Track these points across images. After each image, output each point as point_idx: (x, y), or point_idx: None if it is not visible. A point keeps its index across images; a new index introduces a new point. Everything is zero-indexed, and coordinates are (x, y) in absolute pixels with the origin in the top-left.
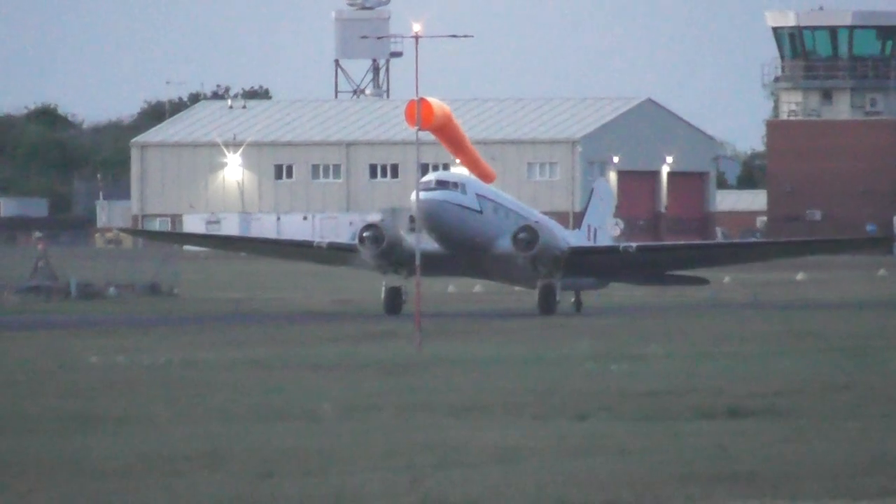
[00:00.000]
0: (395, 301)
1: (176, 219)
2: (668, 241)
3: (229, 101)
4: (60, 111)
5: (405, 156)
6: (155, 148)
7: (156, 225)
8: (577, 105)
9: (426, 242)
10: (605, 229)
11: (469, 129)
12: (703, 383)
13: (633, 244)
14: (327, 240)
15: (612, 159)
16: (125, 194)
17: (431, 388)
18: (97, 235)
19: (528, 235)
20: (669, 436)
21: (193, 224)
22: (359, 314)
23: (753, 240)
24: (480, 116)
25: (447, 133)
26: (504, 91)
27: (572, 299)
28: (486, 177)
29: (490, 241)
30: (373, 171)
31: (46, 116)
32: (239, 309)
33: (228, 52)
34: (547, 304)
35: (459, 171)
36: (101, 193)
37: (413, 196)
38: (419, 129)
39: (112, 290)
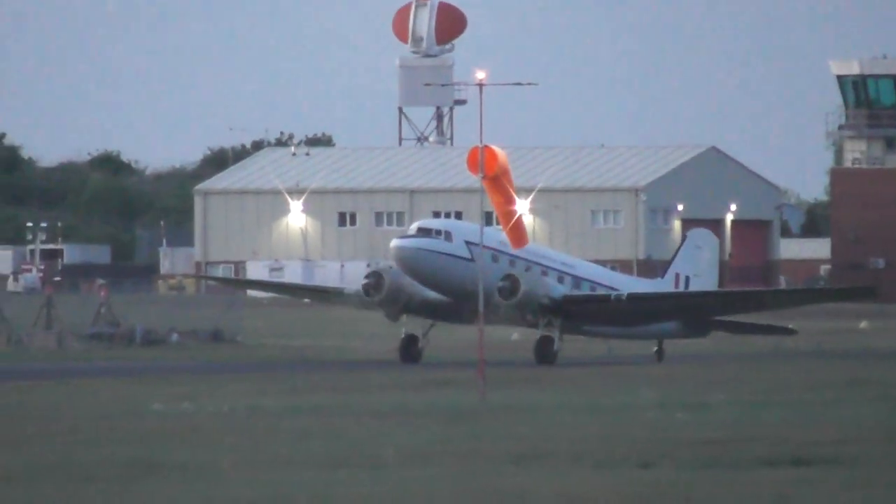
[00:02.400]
0: (409, 349)
1: (239, 266)
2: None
3: (293, 149)
4: (123, 158)
5: (468, 203)
6: (218, 195)
7: (219, 272)
8: (641, 153)
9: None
10: (702, 277)
11: (533, 176)
12: (767, 431)
13: (624, 293)
14: (354, 287)
15: (676, 207)
16: (188, 241)
17: (494, 435)
18: (160, 282)
19: (508, 284)
20: (733, 484)
21: (256, 271)
22: (441, 363)
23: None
24: (544, 164)
25: (503, 182)
26: (568, 139)
27: (654, 348)
28: (519, 240)
29: (484, 289)
30: (437, 217)
31: (109, 163)
32: (302, 356)
33: (291, 99)
34: (543, 354)
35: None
36: (163, 240)
37: (391, 244)
38: (482, 177)
39: (175, 336)
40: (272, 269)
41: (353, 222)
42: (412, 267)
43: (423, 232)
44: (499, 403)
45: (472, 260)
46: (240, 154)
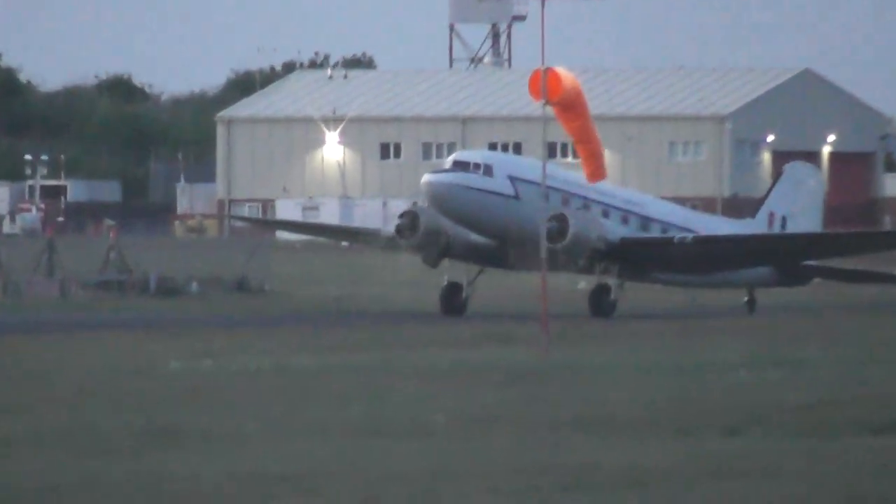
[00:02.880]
0: (451, 299)
1: (267, 204)
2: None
3: (329, 71)
4: (135, 81)
5: (529, 133)
6: (244, 124)
7: (244, 211)
8: (725, 76)
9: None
10: (801, 217)
11: (602, 104)
12: (869, 392)
13: (689, 235)
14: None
15: (765, 138)
16: (209, 177)
17: (558, 399)
18: (177, 223)
19: (555, 225)
20: (830, 454)
21: (288, 210)
22: (491, 314)
23: (841, 230)
24: (615, 90)
25: (574, 111)
26: (642, 61)
27: (745, 298)
28: (596, 175)
29: (532, 230)
30: (493, 149)
31: (119, 88)
32: (339, 307)
33: (327, 15)
34: (598, 306)
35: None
36: (181, 176)
37: (423, 179)
38: (545, 103)
39: (194, 285)
40: (305, 209)
41: (397, 154)
42: (446, 205)
43: (460, 166)
44: (563, 362)
45: (516, 197)
46: (268, 77)
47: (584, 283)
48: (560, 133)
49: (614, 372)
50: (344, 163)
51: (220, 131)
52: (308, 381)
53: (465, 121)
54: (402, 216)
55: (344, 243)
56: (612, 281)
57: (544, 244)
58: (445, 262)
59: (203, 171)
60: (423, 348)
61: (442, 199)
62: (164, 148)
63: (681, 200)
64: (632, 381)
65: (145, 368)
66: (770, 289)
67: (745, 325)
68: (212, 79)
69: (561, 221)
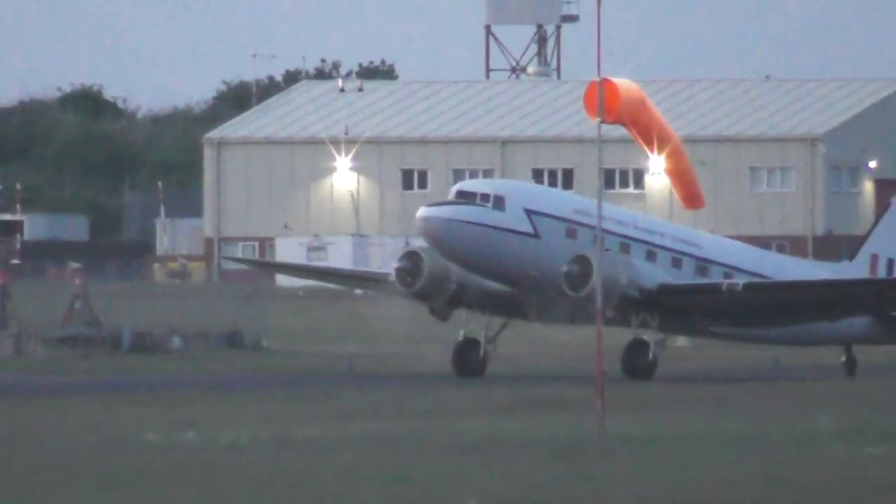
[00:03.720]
0: (467, 357)
1: (265, 244)
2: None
3: (340, 82)
4: (106, 95)
5: (583, 157)
6: (237, 146)
7: (237, 252)
8: (819, 89)
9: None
10: None
11: (670, 121)
12: None
13: (739, 282)
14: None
15: (866, 163)
16: (195, 210)
17: (617, 478)
18: (156, 266)
19: (576, 269)
20: None
21: (289, 251)
22: (516, 375)
23: None
24: (683, 105)
25: (642, 126)
26: (717, 71)
27: (843, 357)
28: (691, 198)
29: (555, 275)
30: (538, 177)
31: (87, 102)
32: (351, 368)
33: (338, 16)
34: (633, 365)
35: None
36: (161, 209)
37: (419, 213)
38: (601, 121)
39: (177, 341)
40: (311, 249)
41: (422, 184)
42: (445, 246)
43: (464, 197)
44: (623, 433)
45: (535, 235)
46: (266, 90)
47: (684, 340)
48: (619, 156)
49: (685, 446)
50: (358, 193)
51: (209, 155)
52: (314, 456)
53: (505, 143)
54: (402, 258)
55: (358, 291)
56: (650, 336)
57: (599, 294)
58: (462, 314)
59: (188, 203)
60: (452, 416)
61: (440, 238)
62: (140, 175)
63: (764, 240)
64: (707, 457)
65: (116, 441)
66: (874, 346)
67: (842, 389)
68: (199, 92)
69: (583, 264)
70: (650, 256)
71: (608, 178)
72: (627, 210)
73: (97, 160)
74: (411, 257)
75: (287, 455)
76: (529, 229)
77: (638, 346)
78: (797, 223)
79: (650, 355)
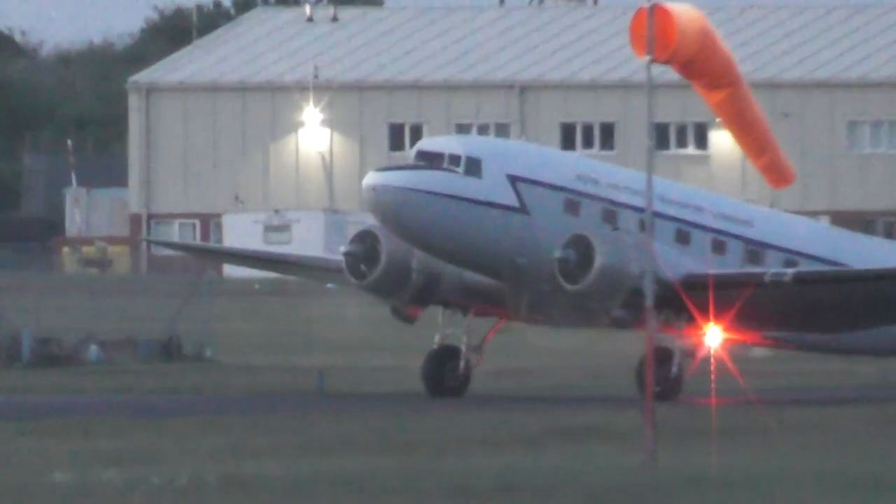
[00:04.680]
0: (440, 370)
1: (210, 222)
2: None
3: (308, 10)
4: (2, 28)
5: (627, 108)
6: (172, 94)
7: (174, 232)
8: None
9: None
10: None
11: (741, 62)
12: None
13: (789, 271)
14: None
15: None
16: (117, 178)
17: None
18: (66, 251)
19: (572, 254)
20: None
21: (242, 231)
22: (537, 397)
23: None
24: (762, 39)
25: (706, 68)
26: None
27: None
28: (778, 178)
29: (549, 262)
30: (568, 134)
31: None
32: (324, 385)
33: None
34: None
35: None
36: (73, 176)
37: (365, 180)
38: (652, 61)
39: (94, 350)
40: (270, 229)
41: (416, 143)
42: (400, 224)
43: (428, 159)
44: (680, 471)
45: (521, 210)
46: (212, 20)
47: (761, 349)
48: (677, 108)
49: (765, 489)
50: (331, 156)
51: (135, 105)
52: (274, 501)
53: (525, 90)
54: (353, 240)
55: (330, 284)
56: (674, 342)
57: (650, 289)
58: (438, 314)
59: (107, 168)
60: (455, 450)
61: (393, 214)
62: (45, 133)
63: (865, 216)
64: (787, 503)
65: (14, 482)
66: None
67: None
68: (121, 23)
69: (581, 248)
70: (681, 238)
71: (661, 136)
72: (652, 176)
73: None
74: (365, 239)
75: (239, 500)
76: (514, 202)
77: (658, 357)
78: None
79: (673, 368)
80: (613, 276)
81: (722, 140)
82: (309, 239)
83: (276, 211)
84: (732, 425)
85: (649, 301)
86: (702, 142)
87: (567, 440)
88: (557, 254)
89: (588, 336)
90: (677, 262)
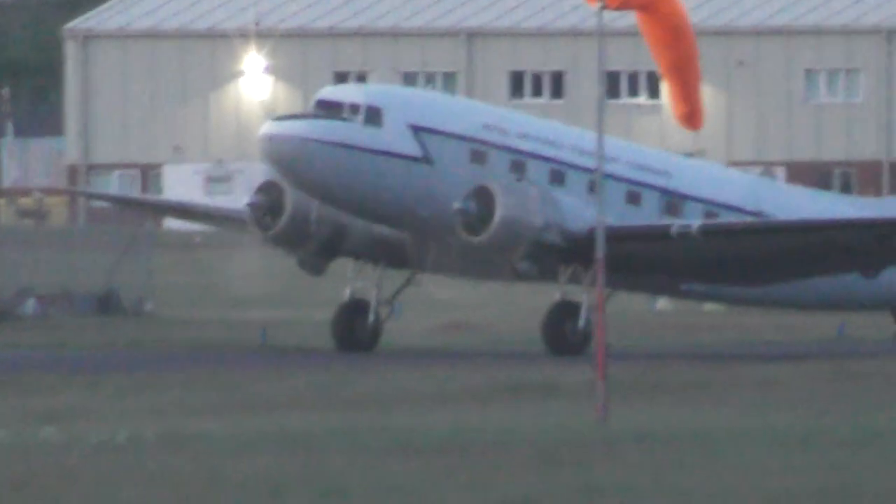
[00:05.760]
0: (351, 324)
1: (149, 171)
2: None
3: None
4: None
5: (578, 56)
6: (110, 42)
7: (112, 183)
8: None
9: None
10: None
11: (695, 10)
12: None
13: (694, 223)
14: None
15: None
16: (53, 128)
17: (627, 488)
18: (1, 202)
19: (474, 206)
20: None
21: (182, 181)
22: (491, 352)
23: None
24: None
25: (658, 14)
26: None
27: None
28: (690, 119)
29: (451, 215)
30: (516, 82)
31: None
32: (267, 340)
33: None
34: (556, 335)
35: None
36: (10, 126)
37: (262, 130)
38: (603, 7)
39: (31, 303)
40: (212, 180)
41: None
42: (297, 175)
43: (327, 108)
44: (631, 428)
45: (424, 160)
46: None
47: (663, 302)
48: (627, 57)
49: (716, 446)
50: (274, 104)
51: (72, 53)
52: (215, 459)
53: (472, 36)
54: (257, 190)
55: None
56: (580, 296)
57: (601, 242)
58: (349, 266)
59: (43, 117)
60: (400, 407)
61: (290, 165)
62: None
63: (822, 167)
64: (747, 462)
65: None
66: None
67: None
68: None
69: (483, 199)
70: (593, 188)
71: (612, 84)
72: (563, 126)
73: None
74: (270, 190)
75: (180, 458)
76: (416, 151)
77: (563, 311)
78: (868, 144)
79: (580, 322)
80: (515, 228)
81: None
82: (252, 189)
83: (219, 161)
84: (688, 381)
85: (599, 253)
86: (654, 91)
87: (528, 394)
88: (458, 205)
89: (492, 289)
90: (585, 214)
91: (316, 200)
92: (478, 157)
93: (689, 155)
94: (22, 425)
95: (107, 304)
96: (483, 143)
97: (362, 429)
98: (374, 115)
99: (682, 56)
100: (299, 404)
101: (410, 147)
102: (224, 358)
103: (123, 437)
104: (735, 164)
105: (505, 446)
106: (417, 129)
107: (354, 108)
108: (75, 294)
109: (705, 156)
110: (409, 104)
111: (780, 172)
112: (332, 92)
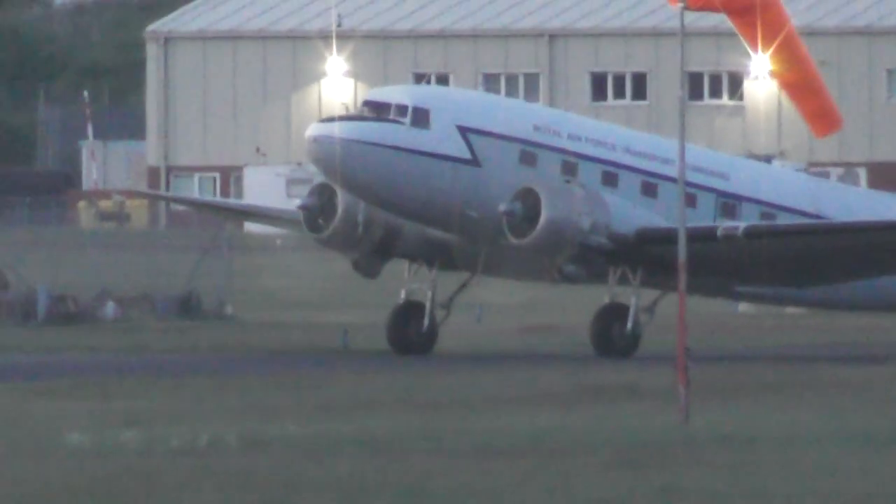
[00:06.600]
0: (406, 326)
1: (230, 175)
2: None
3: None
4: None
5: (660, 57)
6: (191, 44)
7: (193, 186)
8: None
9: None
10: None
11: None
12: None
13: (740, 224)
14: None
15: None
16: (134, 130)
17: (712, 492)
18: (82, 206)
19: (519, 207)
20: None
21: (263, 184)
22: (571, 354)
23: None
24: None
25: (750, 15)
26: None
27: None
28: (823, 119)
29: (484, 215)
30: (598, 84)
31: None
32: (348, 343)
33: None
34: (604, 338)
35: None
36: (89, 128)
37: (308, 131)
38: (685, 8)
39: (111, 307)
40: (293, 182)
41: None
42: (344, 177)
43: (374, 109)
44: (711, 430)
45: (472, 162)
46: None
47: (745, 304)
48: (710, 57)
49: (799, 448)
50: (355, 106)
51: (153, 55)
52: (296, 462)
53: (554, 38)
54: (310, 193)
55: None
56: (630, 298)
57: (682, 244)
58: (405, 268)
59: (124, 120)
60: (481, 410)
61: (333, 167)
62: (60, 83)
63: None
64: (832, 464)
65: (28, 444)
66: None
67: None
68: None
69: (528, 201)
70: (648, 191)
71: (694, 86)
72: (617, 127)
73: (2, 62)
74: (322, 192)
75: (261, 461)
76: (464, 153)
77: (612, 313)
78: None
79: (629, 325)
80: (561, 230)
81: (757, 90)
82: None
83: (299, 164)
84: (766, 383)
85: (682, 256)
86: (736, 92)
87: (608, 398)
88: (504, 207)
89: (539, 291)
90: (633, 216)
91: (363, 202)
92: (527, 158)
93: (770, 156)
94: (102, 429)
95: (187, 306)
96: (533, 144)
97: (443, 431)
98: (421, 117)
99: (788, 57)
100: (380, 406)
101: (458, 148)
102: (304, 360)
103: (204, 441)
104: (816, 164)
105: (586, 448)
106: (465, 131)
107: (401, 110)
108: (155, 297)
109: (787, 157)
110: (456, 105)
111: (861, 173)
112: (379, 93)
